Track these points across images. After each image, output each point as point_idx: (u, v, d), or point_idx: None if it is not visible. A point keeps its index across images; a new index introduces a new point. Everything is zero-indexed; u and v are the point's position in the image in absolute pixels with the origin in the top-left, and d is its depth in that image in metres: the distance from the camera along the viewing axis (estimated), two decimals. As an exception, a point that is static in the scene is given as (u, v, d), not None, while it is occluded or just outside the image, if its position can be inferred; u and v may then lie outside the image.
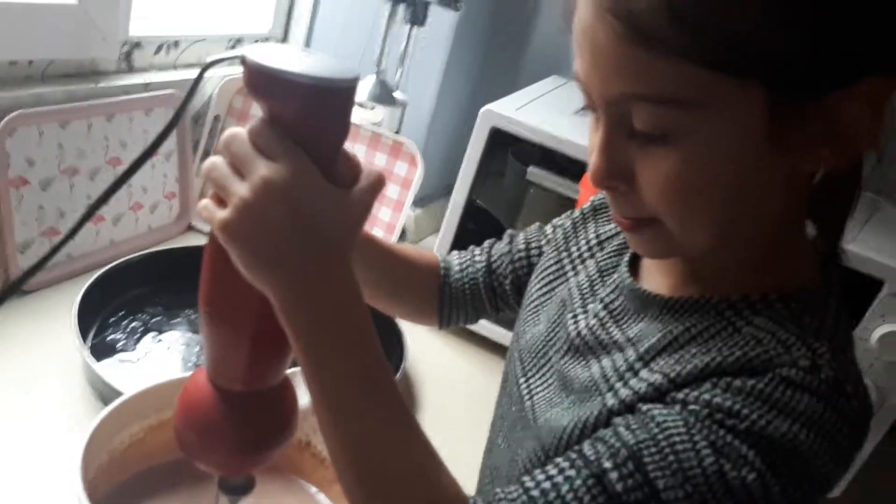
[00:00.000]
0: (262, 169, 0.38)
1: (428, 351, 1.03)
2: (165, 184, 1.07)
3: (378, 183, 0.43)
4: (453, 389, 0.97)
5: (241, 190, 0.38)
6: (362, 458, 0.41)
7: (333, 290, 0.40)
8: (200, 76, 0.45)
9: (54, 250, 0.56)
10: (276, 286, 0.40)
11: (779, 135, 0.38)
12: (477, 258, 0.68)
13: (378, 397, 0.41)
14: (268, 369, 0.47)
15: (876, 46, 0.37)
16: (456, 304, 0.66)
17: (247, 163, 0.39)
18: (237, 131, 0.40)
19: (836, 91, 0.37)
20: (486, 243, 0.69)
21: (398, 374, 0.87)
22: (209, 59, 0.43)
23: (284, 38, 1.32)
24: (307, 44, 1.30)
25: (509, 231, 0.69)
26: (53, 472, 0.67)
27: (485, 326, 1.07)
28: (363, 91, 1.13)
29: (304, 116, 0.40)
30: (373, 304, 0.63)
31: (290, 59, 0.39)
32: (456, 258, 0.68)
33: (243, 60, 0.39)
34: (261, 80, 0.39)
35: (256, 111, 0.42)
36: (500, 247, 0.67)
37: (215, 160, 0.40)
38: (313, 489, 0.67)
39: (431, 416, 0.91)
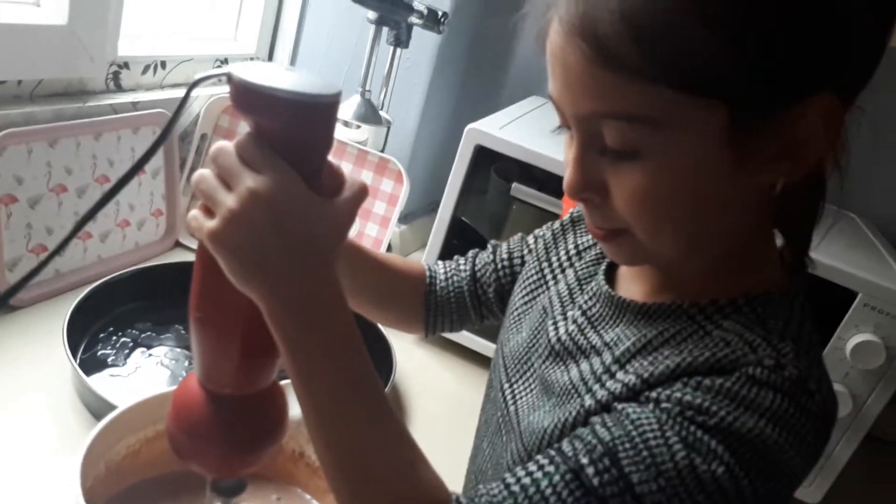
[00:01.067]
0: (249, 180, 0.40)
1: (415, 363, 1.04)
2: (153, 201, 1.07)
3: (361, 193, 0.44)
4: (439, 400, 0.98)
5: (228, 201, 0.40)
6: (348, 458, 0.42)
7: (319, 297, 0.42)
8: (188, 93, 0.46)
9: (42, 264, 0.57)
10: (263, 293, 0.41)
11: (740, 149, 0.41)
12: (462, 267, 0.69)
13: (364, 400, 0.43)
14: (257, 374, 0.48)
15: (820, 65, 0.39)
16: (441, 312, 0.68)
17: (234, 175, 0.40)
18: (224, 145, 0.42)
19: (789, 108, 0.40)
20: (471, 253, 0.71)
21: (388, 387, 0.88)
22: (197, 77, 0.44)
23: (269, 59, 1.33)
24: (292, 64, 1.32)
25: (492, 241, 0.71)
26: (47, 485, 0.67)
27: (469, 338, 1.09)
28: (349, 111, 1.15)
29: (289, 131, 0.41)
30: (359, 312, 0.64)
31: (275, 75, 0.41)
32: (441, 267, 0.70)
33: (229, 77, 0.41)
34: (246, 97, 0.40)
35: (243, 130, 0.44)
36: (484, 256, 0.69)
37: (203, 172, 0.42)
38: (307, 496, 0.68)
39: (419, 425, 0.92)
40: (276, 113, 0.41)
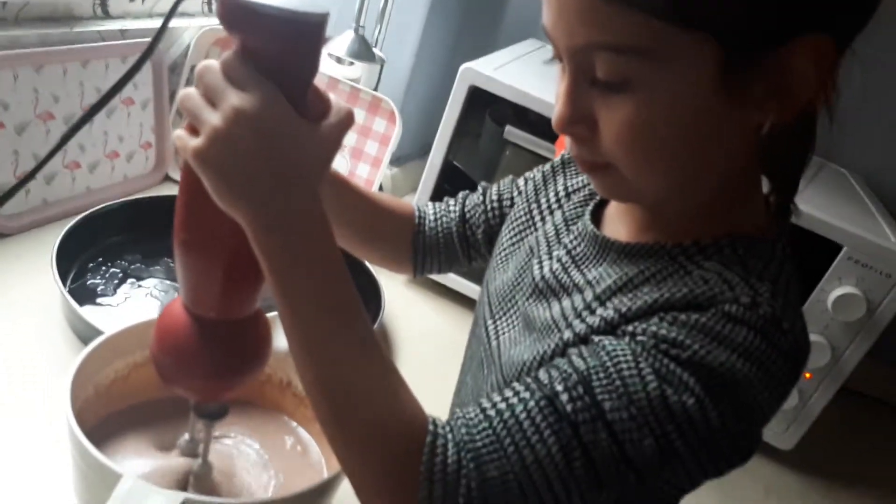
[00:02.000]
0: (234, 98, 0.40)
1: (404, 304, 1.05)
2: (142, 133, 1.06)
3: (347, 118, 0.44)
4: (428, 340, 1.00)
5: (212, 119, 0.40)
6: (330, 379, 0.43)
7: (303, 217, 0.42)
8: (172, 13, 0.45)
9: (25, 179, 0.56)
10: (247, 212, 0.41)
11: (729, 86, 0.41)
12: (451, 208, 0.69)
13: (346, 323, 0.43)
14: (240, 298, 0.49)
15: (813, 4, 0.39)
16: (430, 253, 0.68)
17: (218, 93, 0.40)
18: (210, 63, 0.41)
19: (780, 46, 0.39)
20: (461, 195, 0.71)
21: (376, 325, 0.89)
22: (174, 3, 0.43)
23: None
24: (286, -2, 1.29)
25: (483, 183, 0.71)
26: (38, 407, 0.68)
27: (458, 281, 1.09)
28: (342, 46, 1.13)
29: (275, 50, 0.41)
30: (344, 247, 0.65)
31: None
32: (431, 208, 0.70)
33: None
34: (234, 13, 0.40)
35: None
36: (474, 198, 0.69)
37: (189, 91, 0.42)
38: (293, 423, 0.69)
39: (407, 364, 0.93)
40: (262, 30, 0.40)
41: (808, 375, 0.98)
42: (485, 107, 1.10)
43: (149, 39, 1.01)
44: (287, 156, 0.41)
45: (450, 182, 1.10)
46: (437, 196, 1.08)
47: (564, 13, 0.42)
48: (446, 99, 1.03)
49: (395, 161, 1.29)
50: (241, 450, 0.64)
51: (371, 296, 0.96)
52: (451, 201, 0.70)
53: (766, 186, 0.50)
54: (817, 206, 0.94)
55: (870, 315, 0.93)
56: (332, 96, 0.45)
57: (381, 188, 1.20)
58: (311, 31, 0.42)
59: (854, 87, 0.44)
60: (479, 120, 1.18)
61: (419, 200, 1.08)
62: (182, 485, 0.57)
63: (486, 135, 1.21)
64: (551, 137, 1.03)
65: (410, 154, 1.34)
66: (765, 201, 0.49)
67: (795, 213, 0.50)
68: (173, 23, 1.09)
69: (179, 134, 0.42)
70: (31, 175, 0.50)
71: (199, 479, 0.57)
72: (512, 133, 1.03)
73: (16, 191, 0.52)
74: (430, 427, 0.43)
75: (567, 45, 0.43)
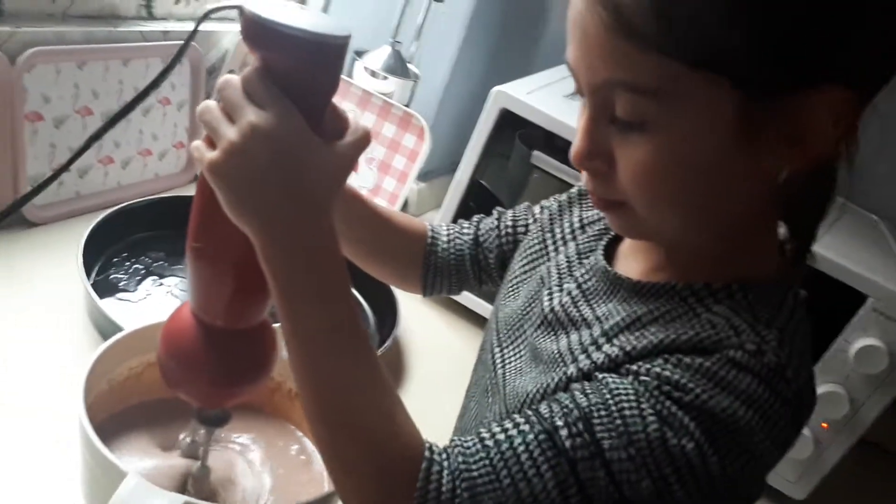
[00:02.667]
0: (251, 115, 0.40)
1: (419, 319, 1.05)
2: (176, 133, 1.08)
3: (363, 139, 0.45)
4: (440, 358, 1.00)
5: (229, 133, 0.41)
6: (327, 400, 0.43)
7: (310, 237, 0.42)
8: (200, 22, 0.47)
9: (60, 170, 0.57)
10: (256, 228, 0.42)
11: (746, 132, 0.40)
12: (465, 230, 0.69)
13: (346, 344, 0.43)
14: (247, 308, 0.49)
15: (832, 56, 0.39)
16: (440, 273, 0.68)
17: (237, 108, 0.41)
18: (231, 78, 0.42)
19: (797, 94, 0.39)
20: (475, 217, 0.71)
21: (390, 341, 0.89)
22: (209, 7, 0.45)
23: (303, 1, 1.32)
24: (325, 7, 1.31)
25: (498, 208, 0.71)
26: (52, 397, 0.69)
27: (474, 301, 1.09)
28: (377, 61, 1.14)
29: (295, 69, 0.42)
30: (355, 262, 0.65)
31: (287, 13, 0.41)
32: (444, 229, 0.70)
33: (241, 10, 0.41)
34: (255, 31, 0.41)
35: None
36: (489, 222, 0.69)
37: (209, 103, 0.43)
38: (299, 433, 0.69)
39: (418, 381, 0.94)
40: (283, 49, 0.41)
41: (824, 425, 0.96)
42: (515, 128, 1.11)
43: (191, 43, 1.04)
44: (300, 174, 0.42)
45: (475, 200, 1.11)
46: (461, 213, 1.08)
47: (587, 50, 0.42)
48: (477, 118, 1.03)
49: (422, 176, 1.30)
50: (244, 456, 0.65)
51: (387, 310, 0.96)
52: (465, 223, 0.70)
53: (783, 232, 0.49)
54: (842, 252, 0.93)
55: (892, 368, 0.91)
56: (350, 115, 0.46)
57: (406, 203, 1.21)
58: (332, 53, 0.42)
59: (884, 130, 0.44)
60: (509, 141, 1.18)
61: (443, 217, 1.09)
62: (181, 485, 0.58)
63: (515, 156, 1.21)
64: (579, 165, 1.02)
65: (438, 170, 1.35)
66: (780, 247, 0.49)
67: (811, 260, 0.49)
68: (214, 27, 1.12)
69: (197, 145, 0.43)
70: (66, 166, 0.51)
71: (197, 482, 0.57)
72: (539, 158, 1.03)
73: (50, 181, 0.53)
74: (427, 453, 0.43)
75: (588, 81, 0.43)
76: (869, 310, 0.90)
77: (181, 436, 0.62)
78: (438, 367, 0.98)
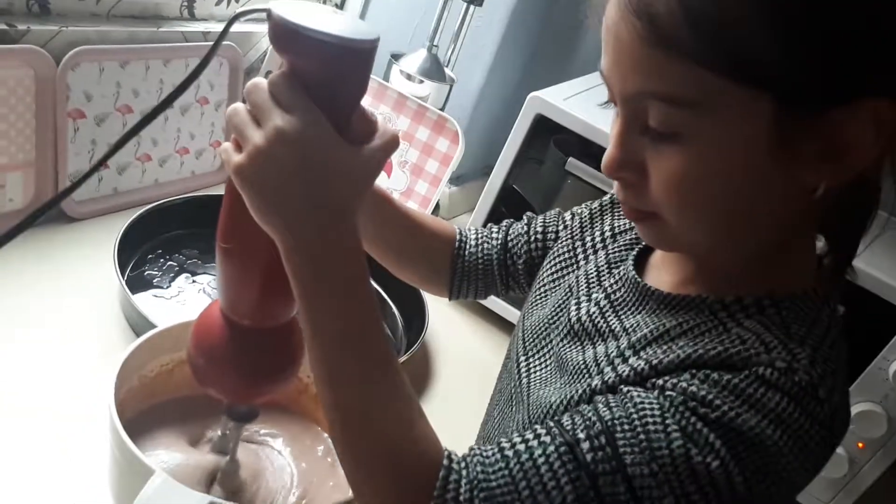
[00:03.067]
0: (277, 119, 0.41)
1: (448, 324, 1.05)
2: (213, 132, 1.09)
3: (391, 143, 0.45)
4: (467, 363, 0.99)
5: (255, 137, 0.41)
6: (347, 406, 0.43)
7: (333, 241, 0.43)
8: (228, 26, 0.47)
9: (96, 167, 0.58)
10: (279, 231, 0.42)
11: (782, 146, 0.40)
12: (494, 235, 0.69)
13: (366, 349, 0.43)
14: (274, 308, 0.50)
15: (879, 68, 0.38)
16: (468, 277, 0.68)
17: (264, 112, 0.41)
18: (259, 81, 0.43)
19: (839, 108, 0.38)
20: (505, 222, 0.71)
21: (418, 344, 0.89)
22: (238, 10, 0.44)
23: (342, 3, 1.33)
24: (364, 10, 1.31)
25: (528, 213, 0.70)
26: (82, 392, 0.70)
27: (501, 306, 1.09)
28: (413, 64, 1.14)
29: (322, 73, 0.42)
30: (383, 264, 0.65)
31: (315, 16, 0.41)
32: (473, 233, 0.69)
33: (269, 14, 0.41)
34: (283, 35, 0.41)
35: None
36: (518, 227, 0.69)
37: (237, 106, 0.43)
38: (325, 434, 0.70)
39: (443, 385, 0.93)
40: (310, 54, 0.41)
41: (860, 445, 0.93)
42: (550, 134, 1.10)
43: (229, 43, 1.05)
44: (324, 179, 0.42)
45: (507, 206, 1.10)
46: (492, 218, 1.08)
47: (620, 59, 0.42)
48: (512, 123, 1.03)
49: (455, 180, 1.30)
50: (271, 454, 0.65)
51: (415, 313, 0.96)
52: (494, 228, 0.70)
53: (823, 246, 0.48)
54: (884, 268, 0.90)
55: (934, 389, 0.88)
56: (379, 119, 0.46)
57: (437, 207, 1.21)
58: (359, 57, 0.42)
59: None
60: (544, 146, 1.17)
61: (474, 220, 1.08)
62: (210, 480, 0.58)
63: (549, 162, 1.20)
64: (613, 172, 1.01)
65: (470, 174, 1.34)
66: (818, 262, 0.48)
67: (852, 276, 0.48)
68: (252, 27, 1.13)
69: (225, 147, 0.43)
70: (102, 161, 0.52)
71: (226, 476, 0.58)
72: (574, 165, 1.02)
73: (86, 177, 0.54)
74: (445, 461, 0.42)
75: (620, 90, 0.43)
76: (911, 328, 0.87)
77: (209, 432, 0.63)
78: (465, 372, 0.97)
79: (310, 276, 0.43)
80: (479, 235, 0.69)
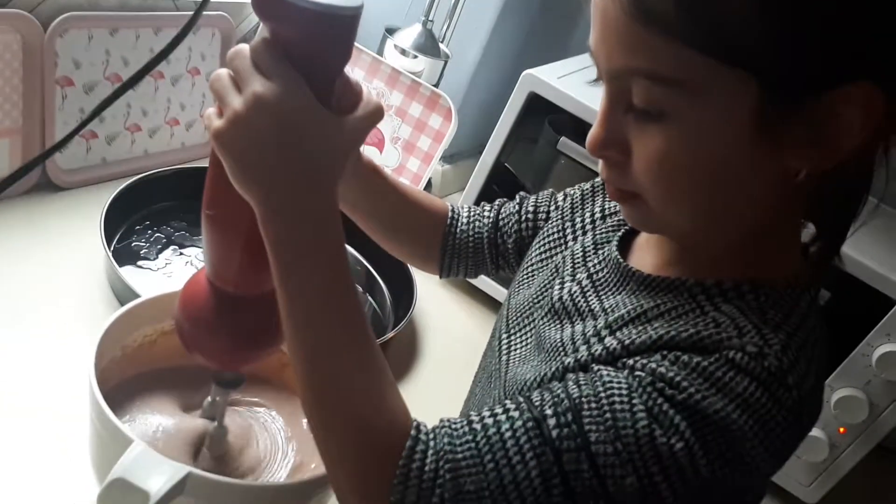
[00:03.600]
0: (257, 84, 0.40)
1: (436, 301, 1.05)
2: (204, 103, 1.08)
3: (374, 113, 0.45)
4: (455, 341, 1.00)
5: (235, 102, 0.41)
6: (317, 371, 0.44)
7: (309, 209, 0.43)
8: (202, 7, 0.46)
9: (82, 125, 0.58)
10: (257, 197, 0.42)
11: (767, 129, 0.39)
12: (485, 213, 0.69)
13: (339, 318, 0.44)
14: (258, 275, 0.50)
15: (868, 52, 0.38)
16: (458, 255, 0.68)
17: (244, 78, 0.41)
18: (241, 48, 0.42)
19: (826, 92, 0.38)
20: (497, 201, 0.70)
21: (405, 321, 0.89)
22: None
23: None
24: (360, -16, 1.30)
25: (521, 193, 0.70)
26: (67, 358, 0.70)
27: (490, 285, 1.09)
28: (408, 39, 1.13)
29: (304, 41, 0.41)
30: (374, 238, 0.65)
31: None
32: (465, 210, 0.69)
33: None
34: (266, 2, 0.41)
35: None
36: (510, 206, 0.69)
37: (220, 72, 0.43)
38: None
39: (430, 363, 0.94)
40: (292, 21, 0.41)
41: (841, 430, 0.94)
42: (545, 112, 1.09)
43: (221, 13, 1.04)
44: (303, 146, 0.42)
45: (499, 184, 1.10)
46: (484, 196, 1.07)
47: (606, 34, 0.41)
48: (507, 101, 1.02)
49: (447, 158, 1.29)
50: (264, 422, 0.65)
51: (404, 291, 0.96)
52: (487, 206, 0.70)
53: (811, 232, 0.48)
54: (871, 254, 0.90)
55: (916, 376, 0.89)
56: (364, 89, 0.46)
57: (429, 184, 1.21)
58: (342, 25, 0.42)
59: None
60: (538, 125, 1.16)
61: (465, 198, 1.08)
62: (198, 443, 0.59)
63: (543, 141, 1.19)
64: (605, 153, 1.01)
65: (463, 152, 1.34)
66: (804, 249, 0.47)
67: (839, 263, 0.48)
68: (247, -1, 1.12)
69: (209, 113, 0.43)
70: (84, 123, 0.52)
71: (213, 440, 0.59)
72: (566, 145, 1.02)
73: (69, 138, 0.54)
74: (413, 431, 0.43)
75: (606, 67, 0.42)
76: (895, 315, 0.88)
77: (206, 399, 0.63)
78: (452, 349, 0.98)
79: (284, 244, 0.43)
80: (472, 213, 0.69)
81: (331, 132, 0.43)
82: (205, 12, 1.02)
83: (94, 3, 0.90)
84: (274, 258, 0.43)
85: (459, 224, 0.68)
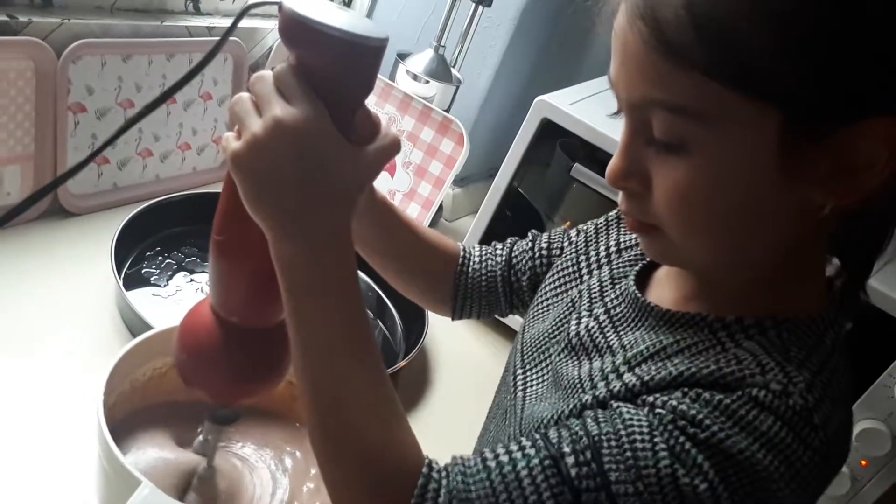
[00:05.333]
0: (277, 109, 0.40)
1: (447, 331, 1.03)
2: (215, 128, 1.08)
3: (392, 146, 0.45)
4: (467, 370, 0.98)
5: (254, 125, 0.41)
6: (327, 401, 0.43)
7: (323, 238, 0.42)
8: (238, 19, 0.47)
9: (95, 153, 0.58)
10: (269, 222, 0.42)
11: (789, 162, 0.39)
12: (498, 252, 0.68)
13: (351, 347, 0.43)
14: (264, 306, 0.49)
15: (886, 84, 0.37)
16: (471, 295, 0.67)
17: (265, 102, 0.41)
18: (264, 73, 0.42)
19: (849, 126, 0.37)
20: (509, 240, 0.70)
21: (417, 349, 0.88)
22: (249, 2, 0.45)
23: (349, 2, 1.32)
24: (371, 8, 1.30)
25: (533, 231, 0.69)
26: (76, 389, 0.69)
27: (507, 314, 1.07)
28: (419, 64, 1.13)
29: (329, 69, 0.42)
30: (384, 276, 0.65)
31: (326, 11, 0.41)
32: (477, 249, 0.69)
33: (280, 6, 0.42)
34: (292, 27, 0.41)
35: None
36: (523, 244, 0.68)
37: (241, 95, 0.43)
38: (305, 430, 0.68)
39: (442, 393, 0.92)
40: (318, 48, 0.41)
41: (863, 463, 0.92)
42: (557, 136, 1.09)
43: (233, 38, 1.04)
44: (320, 174, 0.41)
45: (511, 208, 1.09)
46: (497, 220, 1.06)
47: (627, 65, 0.41)
48: (519, 125, 1.01)
49: (459, 182, 1.29)
50: (255, 463, 0.64)
51: (416, 318, 0.95)
52: (499, 245, 0.69)
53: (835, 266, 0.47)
54: (892, 284, 0.88)
55: (940, 408, 0.86)
56: (383, 121, 0.46)
57: (440, 208, 1.20)
58: (367, 55, 0.42)
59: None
60: (550, 149, 1.16)
61: (478, 223, 1.07)
62: (186, 481, 0.58)
63: (555, 165, 1.18)
64: (619, 179, 1.00)
65: (475, 176, 1.33)
66: (828, 284, 0.46)
67: (864, 297, 0.47)
68: (257, 23, 1.12)
69: (227, 136, 0.43)
70: (102, 147, 0.52)
71: (201, 481, 0.57)
72: (580, 171, 1.01)
73: (85, 164, 0.54)
74: (425, 469, 0.41)
75: (627, 98, 0.42)
76: (918, 346, 0.86)
77: (198, 436, 0.62)
78: (464, 379, 0.96)
79: (296, 272, 0.42)
80: (483, 253, 0.68)
81: (348, 162, 0.42)
82: (216, 38, 1.03)
83: (107, 29, 0.90)
84: (285, 286, 0.43)
85: (472, 263, 0.67)
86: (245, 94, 0.43)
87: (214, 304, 0.50)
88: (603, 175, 1.01)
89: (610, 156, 0.97)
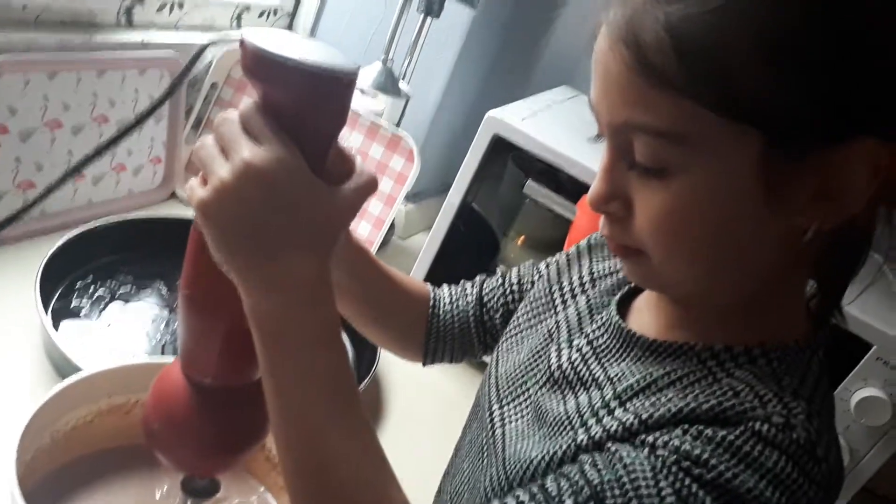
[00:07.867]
0: (245, 151, 0.38)
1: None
2: (152, 148, 1.03)
3: (369, 185, 0.42)
4: (423, 396, 0.95)
5: (221, 171, 0.38)
6: (312, 469, 0.40)
7: (301, 288, 0.39)
8: (196, 57, 0.44)
9: (28, 207, 0.54)
10: (243, 274, 0.39)
11: (772, 185, 0.38)
12: (468, 291, 0.66)
13: (336, 407, 0.40)
14: (239, 364, 0.45)
15: (874, 108, 0.37)
16: (443, 338, 0.65)
17: (232, 144, 0.38)
18: (229, 113, 0.40)
19: (832, 147, 0.37)
20: (478, 278, 0.68)
21: (369, 377, 0.84)
22: (208, 40, 0.43)
23: (294, 13, 1.28)
24: (316, 20, 1.26)
25: (501, 267, 0.67)
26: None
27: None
28: (367, 78, 1.09)
29: (298, 105, 0.39)
30: (353, 323, 0.62)
31: (290, 45, 0.38)
32: (446, 290, 0.67)
33: (241, 42, 0.39)
34: (257, 64, 0.38)
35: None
36: (492, 282, 0.66)
37: (205, 140, 0.40)
38: (261, 488, 0.64)
39: (397, 421, 0.89)
40: (284, 84, 0.38)
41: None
42: (509, 150, 1.06)
43: (170, 53, 0.99)
44: (295, 218, 0.39)
45: (465, 223, 1.06)
46: (451, 236, 1.03)
47: (608, 89, 0.40)
48: (471, 139, 0.99)
49: (412, 197, 1.26)
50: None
51: (367, 344, 0.91)
52: (468, 284, 0.67)
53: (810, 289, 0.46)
54: (847, 298, 0.88)
55: (895, 420, 0.87)
56: (357, 159, 0.43)
57: (392, 226, 1.17)
58: (339, 88, 0.39)
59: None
60: (502, 163, 1.14)
61: (432, 240, 1.04)
62: None
63: (508, 180, 1.17)
64: (574, 196, 0.98)
65: (427, 191, 1.30)
66: (805, 305, 0.45)
67: (840, 321, 0.46)
68: (197, 38, 1.07)
69: (191, 184, 0.40)
70: (39, 199, 0.48)
71: None
72: (532, 188, 0.99)
73: (23, 213, 0.50)
74: None
75: (608, 121, 0.41)
76: (872, 358, 0.86)
77: (157, 491, 0.57)
78: (421, 406, 0.93)
79: (271, 325, 0.39)
80: (454, 293, 0.66)
81: (324, 204, 0.40)
82: (153, 53, 0.98)
83: (32, 43, 0.84)
84: (260, 340, 0.40)
85: (442, 305, 0.65)
86: (208, 138, 0.40)
87: (185, 365, 0.46)
88: (556, 191, 1.00)
89: (565, 174, 0.95)
